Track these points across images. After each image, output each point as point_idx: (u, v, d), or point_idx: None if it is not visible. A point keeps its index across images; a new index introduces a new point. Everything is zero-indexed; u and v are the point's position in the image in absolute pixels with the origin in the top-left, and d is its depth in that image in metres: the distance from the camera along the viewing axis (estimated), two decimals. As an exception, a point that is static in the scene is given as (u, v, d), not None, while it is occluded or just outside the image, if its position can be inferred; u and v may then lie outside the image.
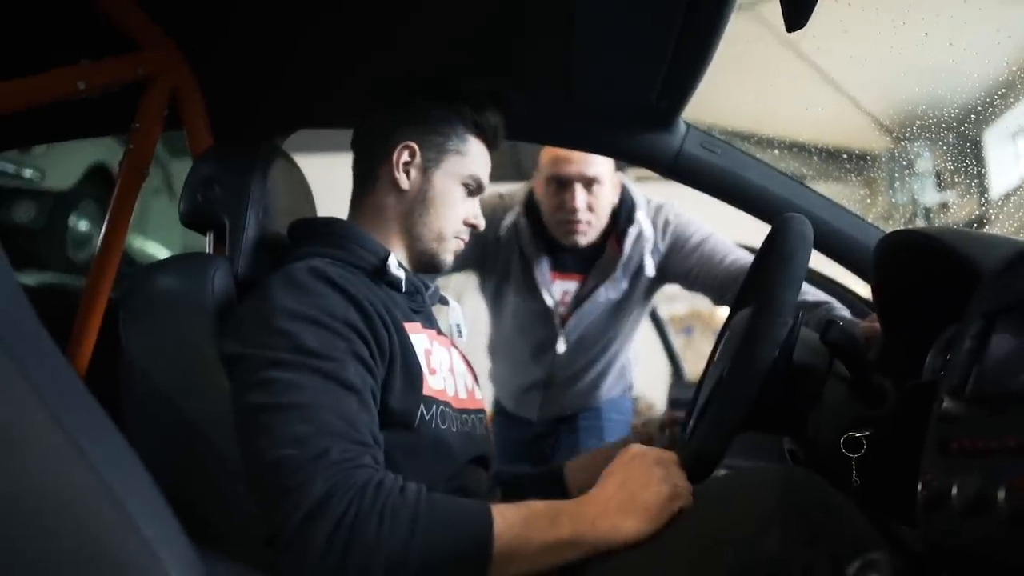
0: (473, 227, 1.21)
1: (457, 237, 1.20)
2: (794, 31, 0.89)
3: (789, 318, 0.87)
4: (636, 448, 0.91)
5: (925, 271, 0.94)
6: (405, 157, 1.15)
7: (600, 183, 1.73)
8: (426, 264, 1.20)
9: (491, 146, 1.22)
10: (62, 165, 3.50)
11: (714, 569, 0.72)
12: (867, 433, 0.88)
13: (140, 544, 0.51)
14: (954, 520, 0.59)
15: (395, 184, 1.16)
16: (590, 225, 1.76)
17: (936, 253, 0.89)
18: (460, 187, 1.18)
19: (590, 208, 1.74)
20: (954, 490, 0.59)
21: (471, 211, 1.20)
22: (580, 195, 1.72)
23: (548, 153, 1.77)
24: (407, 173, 1.16)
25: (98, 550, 0.49)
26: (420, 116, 1.17)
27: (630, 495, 0.85)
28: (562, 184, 1.74)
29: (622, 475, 0.88)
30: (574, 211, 1.73)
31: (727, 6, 1.07)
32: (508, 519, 0.84)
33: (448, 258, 1.20)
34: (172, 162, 4.36)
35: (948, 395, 0.69)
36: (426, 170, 1.16)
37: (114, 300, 1.40)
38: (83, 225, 3.70)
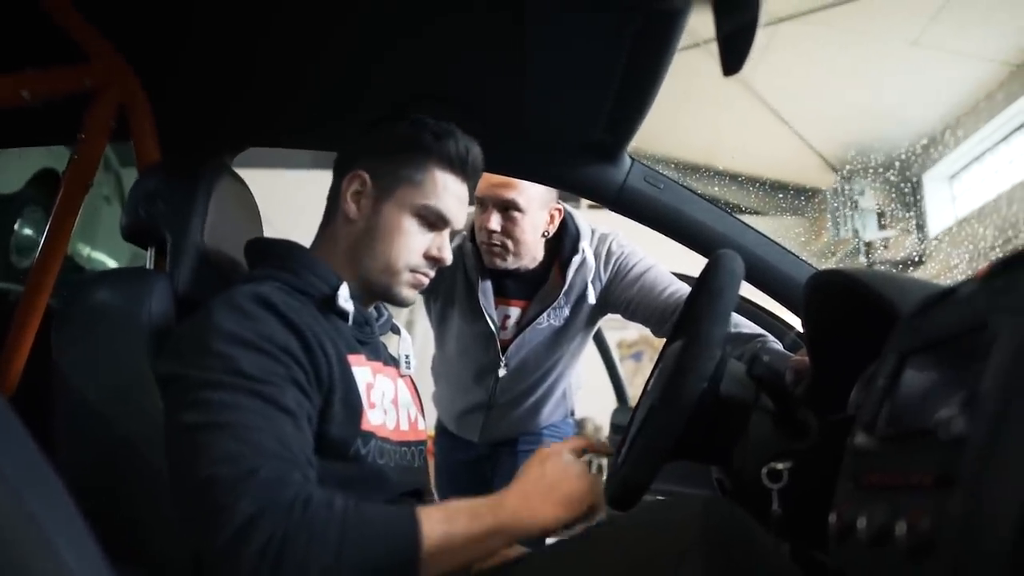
0: (437, 261, 1.15)
1: (414, 271, 1.14)
2: (730, 75, 0.92)
3: (716, 352, 0.90)
4: (553, 446, 0.99)
5: (849, 310, 0.97)
6: (355, 186, 1.13)
7: (520, 211, 1.72)
8: (380, 296, 1.17)
9: (462, 176, 1.16)
10: (7, 169, 3.42)
11: None
12: (788, 465, 0.91)
13: (57, 566, 0.50)
14: (861, 550, 0.61)
15: (345, 213, 1.13)
16: (506, 250, 1.76)
17: (858, 293, 0.93)
18: (413, 218, 1.12)
19: (506, 233, 1.74)
20: (861, 522, 0.61)
21: (433, 244, 1.15)
22: (494, 217, 1.72)
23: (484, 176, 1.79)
24: (356, 203, 1.13)
25: (13, 571, 0.49)
26: (378, 145, 1.14)
27: (548, 486, 0.93)
28: (483, 205, 1.76)
29: (540, 469, 0.96)
30: (488, 233, 1.73)
31: (671, 45, 1.11)
32: (433, 519, 0.87)
33: (403, 292, 1.15)
34: (124, 171, 4.28)
35: (862, 430, 0.72)
36: (376, 200, 1.13)
37: (53, 308, 1.38)
38: (27, 231, 3.61)
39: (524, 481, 0.95)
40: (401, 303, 1.17)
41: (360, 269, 1.13)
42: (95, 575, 0.52)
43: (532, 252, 1.81)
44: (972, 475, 0.51)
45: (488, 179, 1.74)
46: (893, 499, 0.60)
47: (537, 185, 1.72)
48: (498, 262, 1.78)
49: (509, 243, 1.75)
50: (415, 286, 1.16)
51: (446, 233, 1.17)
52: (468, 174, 1.17)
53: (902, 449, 0.65)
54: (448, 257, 1.17)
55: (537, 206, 1.75)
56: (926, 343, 0.70)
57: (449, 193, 1.14)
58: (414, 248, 1.13)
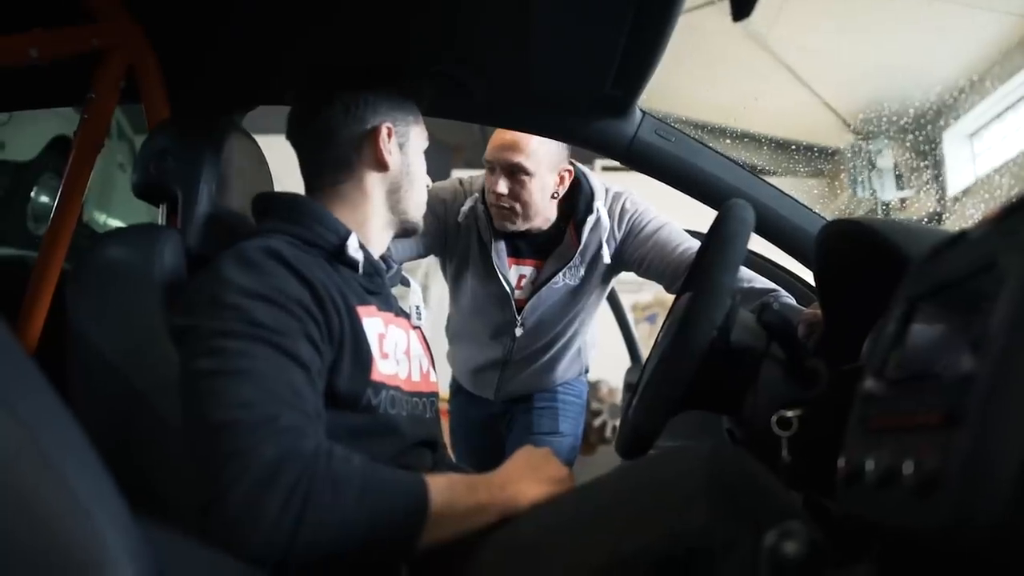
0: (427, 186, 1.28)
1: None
2: (740, 20, 0.90)
3: (726, 300, 0.90)
4: (530, 446, 1.06)
5: (861, 259, 0.97)
6: (385, 137, 1.18)
7: (528, 174, 1.73)
8: (408, 230, 1.26)
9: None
10: (23, 137, 3.42)
11: (642, 538, 0.75)
12: (798, 413, 0.91)
13: (72, 501, 0.51)
14: (868, 492, 0.61)
15: (380, 164, 1.18)
16: (514, 212, 1.77)
17: (869, 242, 0.92)
18: (422, 152, 1.25)
19: (514, 196, 1.75)
20: (869, 464, 0.62)
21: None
22: (502, 182, 1.73)
23: (493, 136, 1.78)
24: (390, 152, 1.19)
25: (26, 505, 0.49)
26: (391, 96, 1.21)
27: (533, 467, 1.00)
28: (491, 168, 1.77)
29: (524, 456, 1.03)
30: (497, 196, 1.75)
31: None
32: (438, 487, 0.90)
33: (421, 220, 1.28)
34: (137, 138, 4.29)
35: (871, 376, 0.72)
36: (402, 146, 1.21)
37: (68, 271, 1.39)
38: (44, 198, 3.63)
39: (511, 463, 1.01)
40: (419, 229, 1.28)
41: (396, 213, 1.22)
42: (110, 509, 0.53)
43: (543, 213, 1.81)
44: (978, 412, 0.51)
45: (496, 142, 1.75)
46: (901, 440, 0.60)
47: (545, 147, 1.72)
48: (507, 224, 1.79)
49: (517, 206, 1.76)
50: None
51: None
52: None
53: (911, 391, 0.65)
54: (429, 181, 1.29)
55: (545, 169, 1.75)
56: (936, 287, 0.70)
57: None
58: (427, 179, 1.27)
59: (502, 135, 1.75)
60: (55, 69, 1.26)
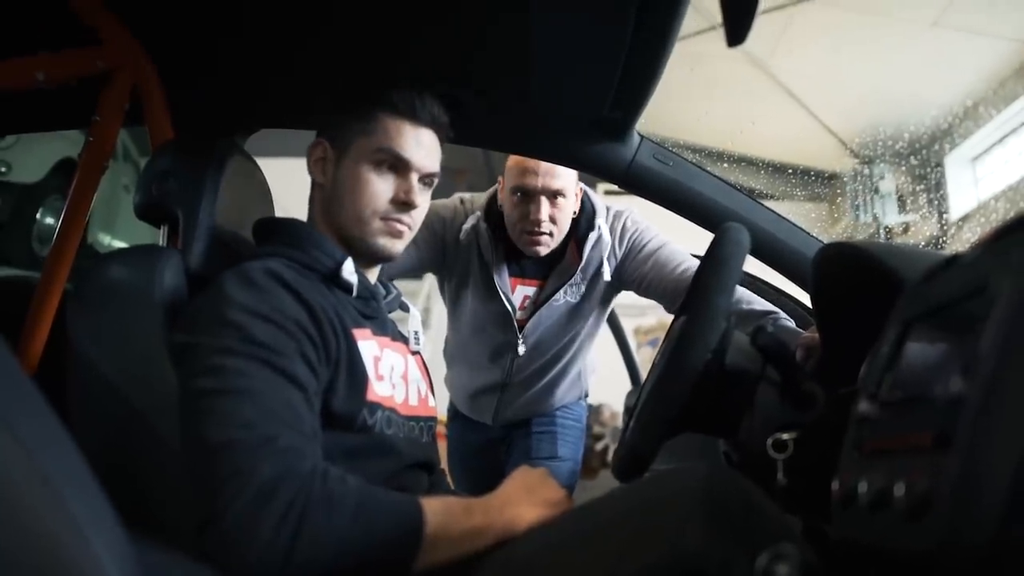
0: (405, 205, 1.15)
1: (384, 218, 1.15)
2: (734, 45, 0.91)
3: (720, 322, 0.90)
4: (527, 467, 1.05)
5: (858, 282, 0.97)
6: (317, 154, 1.19)
7: (564, 196, 1.73)
8: (363, 252, 1.16)
9: (414, 120, 1.16)
10: (29, 159, 3.45)
11: (638, 558, 0.74)
12: (794, 435, 0.91)
13: (70, 524, 0.51)
14: (862, 515, 0.61)
15: (315, 182, 1.20)
16: (552, 237, 1.77)
17: (865, 265, 0.92)
18: (370, 165, 1.14)
19: (552, 220, 1.75)
20: (862, 487, 0.62)
21: (399, 188, 1.15)
22: (544, 208, 1.72)
23: (514, 163, 1.77)
24: (321, 169, 1.18)
25: (23, 526, 0.49)
26: (332, 112, 1.20)
27: (529, 491, 0.99)
28: (527, 196, 1.74)
29: (521, 478, 1.02)
30: (538, 223, 1.73)
31: (674, 23, 1.10)
32: (433, 509, 0.90)
33: (379, 240, 1.16)
34: (142, 160, 4.32)
35: (865, 398, 0.72)
36: (337, 160, 1.16)
37: (69, 292, 1.40)
38: (49, 220, 3.65)
39: (507, 485, 1.01)
40: (382, 253, 1.17)
41: (337, 229, 1.16)
42: (105, 531, 0.53)
43: (564, 234, 1.82)
44: (967, 434, 0.51)
45: (529, 169, 1.73)
46: (893, 462, 0.60)
47: (569, 168, 1.72)
48: (541, 250, 1.78)
49: (555, 230, 1.76)
50: (391, 234, 1.16)
51: (412, 178, 1.16)
52: (421, 118, 1.17)
53: (904, 413, 0.65)
54: (416, 200, 1.16)
55: (572, 189, 1.77)
56: (930, 309, 0.70)
57: (403, 136, 1.15)
58: (378, 193, 1.14)
59: (527, 161, 1.73)
60: (60, 92, 1.27)
